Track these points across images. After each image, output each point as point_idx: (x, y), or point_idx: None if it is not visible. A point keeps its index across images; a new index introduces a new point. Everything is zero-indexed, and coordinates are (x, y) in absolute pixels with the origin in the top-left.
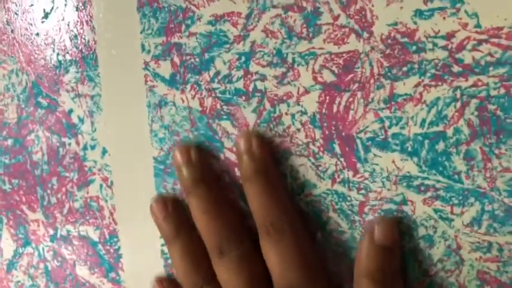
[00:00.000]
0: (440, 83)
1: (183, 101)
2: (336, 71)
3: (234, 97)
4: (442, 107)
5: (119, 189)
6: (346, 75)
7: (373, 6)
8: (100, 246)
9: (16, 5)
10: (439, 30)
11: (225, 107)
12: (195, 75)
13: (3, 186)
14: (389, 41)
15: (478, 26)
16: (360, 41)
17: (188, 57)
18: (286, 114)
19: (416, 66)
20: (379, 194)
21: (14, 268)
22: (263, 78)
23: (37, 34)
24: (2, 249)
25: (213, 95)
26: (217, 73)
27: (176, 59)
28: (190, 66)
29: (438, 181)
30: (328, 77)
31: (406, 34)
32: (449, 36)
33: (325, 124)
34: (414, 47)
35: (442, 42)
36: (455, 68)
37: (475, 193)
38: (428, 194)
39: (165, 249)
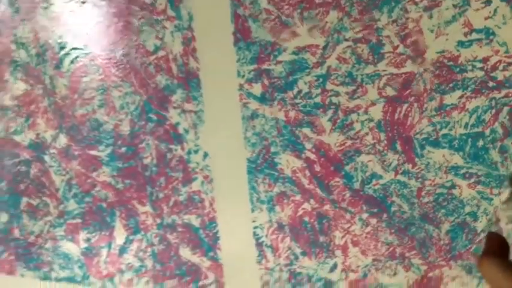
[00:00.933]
0: (479, 95)
1: (271, 113)
2: (397, 87)
3: (314, 109)
4: (481, 113)
5: (218, 184)
6: (404, 91)
7: (424, 38)
8: (201, 231)
9: (131, 41)
10: (476, 56)
11: (305, 117)
12: (281, 93)
13: (117, 186)
14: (438, 64)
15: (506, 52)
16: (415, 64)
17: (275, 80)
18: (357, 121)
19: (460, 83)
20: (433, 181)
21: (125, 252)
22: (337, 94)
23: (149, 64)
24: (115, 237)
25: (296, 108)
26: (300, 91)
27: (266, 82)
28: (277, 87)
29: (479, 169)
30: (390, 92)
31: (451, 59)
32: (485, 60)
33: (388, 128)
34: (458, 69)
35: (479, 65)
36: (491, 84)
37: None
38: (472, 180)
39: (257, 231)
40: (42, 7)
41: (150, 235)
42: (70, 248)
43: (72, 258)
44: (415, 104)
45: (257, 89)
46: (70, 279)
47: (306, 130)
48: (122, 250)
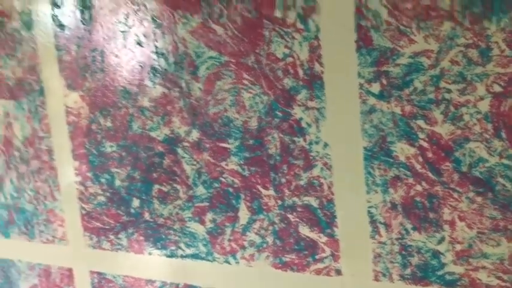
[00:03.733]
0: None
1: (388, 108)
2: (503, 85)
3: (427, 104)
4: None
5: (336, 170)
6: (510, 87)
7: None
8: (319, 211)
9: (263, 50)
10: None
11: (420, 111)
12: (398, 91)
13: (243, 173)
14: None
15: None
16: None
17: (393, 80)
18: (466, 114)
19: None
20: None
21: (248, 231)
22: (449, 91)
23: (277, 69)
24: (239, 218)
25: (411, 103)
26: (415, 89)
27: (384, 81)
28: (395, 85)
29: None
30: (497, 88)
31: None
32: None
33: (494, 119)
34: None
35: None
36: None
37: None
38: None
39: (371, 210)
40: (183, 22)
41: (271, 215)
42: (197, 228)
43: (198, 237)
44: None
45: (376, 87)
46: (195, 256)
47: (420, 122)
48: (245, 229)
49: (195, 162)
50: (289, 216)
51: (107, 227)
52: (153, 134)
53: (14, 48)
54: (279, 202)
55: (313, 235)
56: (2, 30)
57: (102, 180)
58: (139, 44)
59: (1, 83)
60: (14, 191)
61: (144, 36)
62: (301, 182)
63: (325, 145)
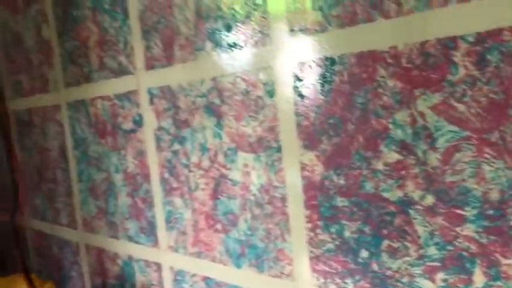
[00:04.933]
0: None
1: None
2: None
3: None
4: None
5: None
6: None
7: None
8: None
9: (508, 128)
10: None
11: None
12: None
13: (480, 240)
14: None
15: None
16: None
17: None
18: None
19: None
20: None
21: None
22: None
23: None
24: (474, 281)
25: None
26: None
27: None
28: None
29: None
30: None
31: None
32: None
33: None
34: None
35: None
36: None
37: None
38: None
39: None
40: (423, 98)
41: (511, 284)
42: (426, 284)
43: None
44: None
45: None
46: None
47: None
48: None
49: (427, 225)
50: None
51: (333, 271)
52: (385, 194)
53: (256, 111)
54: None
55: None
56: (248, 97)
57: (332, 229)
58: (377, 115)
59: (243, 138)
60: (247, 229)
61: (383, 108)
62: None
63: None
